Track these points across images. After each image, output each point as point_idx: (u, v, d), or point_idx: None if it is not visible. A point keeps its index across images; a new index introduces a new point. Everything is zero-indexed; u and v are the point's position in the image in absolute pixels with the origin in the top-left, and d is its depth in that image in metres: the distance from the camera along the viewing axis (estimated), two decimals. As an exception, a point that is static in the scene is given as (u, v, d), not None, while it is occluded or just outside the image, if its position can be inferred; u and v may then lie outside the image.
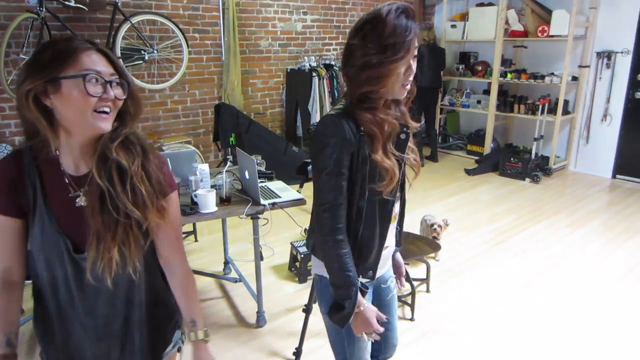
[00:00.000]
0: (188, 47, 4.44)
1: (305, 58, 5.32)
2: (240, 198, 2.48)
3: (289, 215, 2.60)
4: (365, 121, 1.19)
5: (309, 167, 2.13)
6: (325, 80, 5.24)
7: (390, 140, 1.23)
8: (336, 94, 5.34)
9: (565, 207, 4.52)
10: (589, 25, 5.16)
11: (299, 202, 2.54)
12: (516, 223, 4.14)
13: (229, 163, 2.86)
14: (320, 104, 5.24)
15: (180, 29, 4.36)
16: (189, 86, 4.80)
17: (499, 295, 2.99)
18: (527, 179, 5.28)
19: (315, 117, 5.20)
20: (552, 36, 5.07)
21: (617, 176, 5.34)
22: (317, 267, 1.37)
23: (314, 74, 5.18)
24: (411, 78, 1.18)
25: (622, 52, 5.03)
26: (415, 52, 1.15)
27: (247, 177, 2.49)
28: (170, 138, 4.66)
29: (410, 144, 1.30)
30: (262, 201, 2.42)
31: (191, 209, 2.30)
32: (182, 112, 4.81)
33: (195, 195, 2.32)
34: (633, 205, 4.55)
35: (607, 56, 5.12)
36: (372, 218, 1.28)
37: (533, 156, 5.35)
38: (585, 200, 4.71)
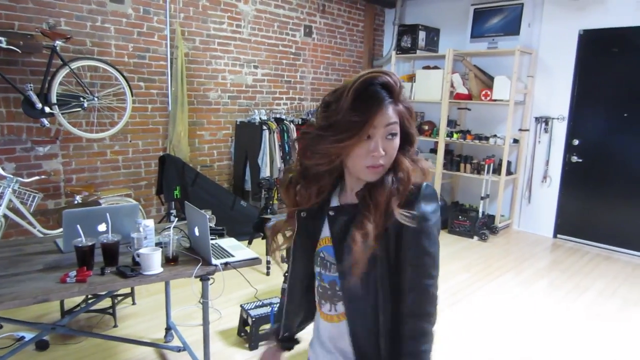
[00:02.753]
0: (132, 95, 4.21)
1: (256, 111, 5.22)
2: (189, 257, 2.22)
3: (242, 275, 2.35)
4: None
5: (268, 224, 1.92)
6: (275, 133, 5.13)
7: None
8: (287, 148, 5.23)
9: (514, 265, 4.54)
10: (527, 92, 5.48)
11: (254, 261, 2.31)
12: (469, 282, 4.09)
13: (175, 219, 2.61)
14: (270, 158, 5.10)
15: (124, 77, 4.13)
16: (132, 136, 4.51)
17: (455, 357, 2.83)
18: (475, 237, 5.32)
19: (265, 171, 5.04)
20: (495, 100, 5.31)
21: (558, 235, 5.51)
22: None
23: (265, 127, 5.06)
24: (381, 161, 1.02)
25: (557, 118, 5.34)
26: (383, 131, 1.01)
27: (197, 234, 2.24)
28: (108, 191, 4.29)
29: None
30: (214, 261, 2.17)
31: (132, 270, 2.01)
32: (123, 163, 4.49)
33: (138, 255, 2.04)
34: (576, 265, 4.66)
35: (544, 121, 5.42)
36: None
37: (480, 214, 5.44)
38: (531, 259, 4.78)
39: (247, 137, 5.20)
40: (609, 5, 4.85)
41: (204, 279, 2.21)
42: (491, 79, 5.45)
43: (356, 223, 1.01)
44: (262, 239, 2.01)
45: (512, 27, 5.35)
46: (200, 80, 4.93)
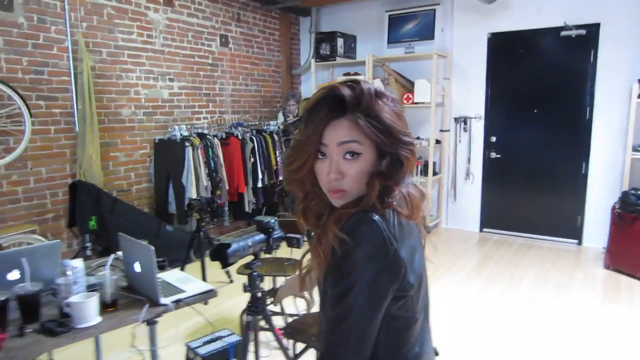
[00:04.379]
0: (31, 116, 3.67)
1: (175, 127, 4.83)
2: (130, 299, 1.89)
3: (199, 312, 2.05)
4: None
5: (230, 250, 1.69)
6: (199, 150, 4.78)
7: None
8: (212, 164, 4.90)
9: (450, 264, 4.62)
10: (445, 94, 5.67)
11: (208, 295, 2.03)
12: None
13: (90, 253, 2.24)
14: (195, 176, 4.74)
15: (20, 95, 3.60)
16: (33, 163, 3.92)
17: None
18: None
19: (191, 191, 4.67)
20: (417, 103, 5.42)
21: (484, 229, 5.74)
22: None
23: (187, 143, 4.70)
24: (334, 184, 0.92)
25: (475, 118, 5.58)
26: (338, 150, 0.90)
27: (138, 269, 1.92)
28: (7, 229, 3.68)
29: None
30: (162, 299, 1.86)
31: (61, 324, 1.64)
32: (24, 194, 3.88)
33: (68, 304, 1.67)
34: (506, 256, 4.85)
35: (463, 121, 5.64)
36: None
37: (412, 216, 5.49)
38: (464, 255, 4.91)
39: (168, 155, 4.79)
40: (513, 10, 5.16)
41: (150, 322, 1.89)
42: (411, 83, 5.56)
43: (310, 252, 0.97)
44: (222, 268, 1.75)
45: (426, 32, 5.50)
46: (110, 97, 4.45)
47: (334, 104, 0.89)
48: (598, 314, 3.48)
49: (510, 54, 5.36)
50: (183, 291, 1.97)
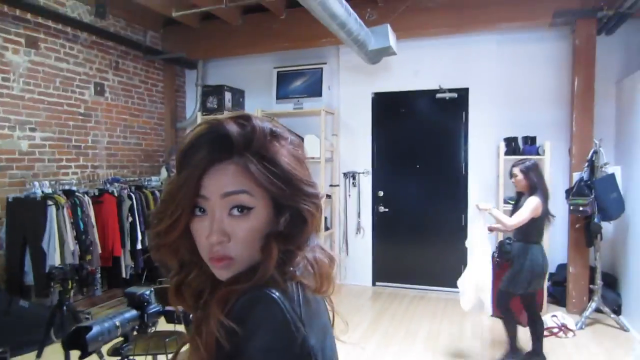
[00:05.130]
0: None
1: (36, 183, 4.18)
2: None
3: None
4: None
5: (90, 335, 1.33)
6: (65, 209, 4.17)
7: None
8: (81, 226, 4.30)
9: (349, 320, 4.46)
10: (333, 149, 5.75)
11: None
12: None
13: None
14: (60, 240, 4.09)
15: None
16: None
17: None
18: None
19: (54, 258, 4.00)
20: (307, 158, 5.38)
21: (377, 283, 5.75)
22: None
23: (50, 202, 4.07)
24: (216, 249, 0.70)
25: (363, 173, 5.71)
26: (221, 203, 0.69)
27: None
28: None
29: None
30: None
31: None
32: None
33: None
34: (399, 310, 4.86)
35: (352, 176, 5.73)
36: None
37: (306, 274, 5.32)
38: (361, 311, 4.82)
39: (25, 216, 4.10)
40: (393, 72, 5.48)
41: None
42: (301, 138, 5.53)
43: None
44: (81, 358, 1.37)
45: (314, 90, 5.61)
46: (-50, 147, 3.74)
47: (217, 143, 0.69)
48: (490, 364, 3.54)
49: (392, 113, 5.65)
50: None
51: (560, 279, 4.90)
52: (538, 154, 4.72)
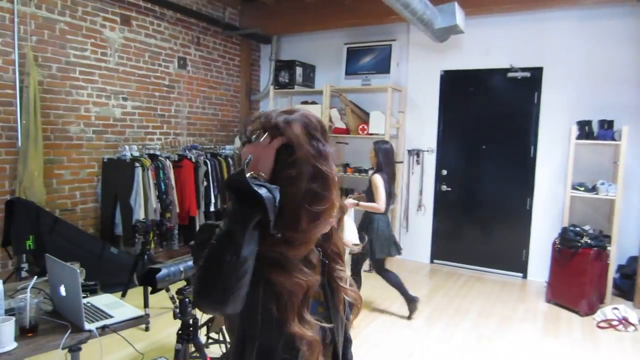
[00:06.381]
0: (-31, 128, 3.51)
1: (126, 147, 4.72)
2: (53, 324, 1.79)
3: (125, 339, 1.96)
4: None
5: (159, 275, 1.63)
6: (150, 171, 4.68)
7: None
8: (163, 187, 4.79)
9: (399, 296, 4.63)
10: (399, 126, 5.81)
11: (139, 320, 1.95)
12: (368, 320, 4.05)
13: (26, 274, 2.12)
14: (144, 198, 4.61)
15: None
16: (-33, 177, 3.73)
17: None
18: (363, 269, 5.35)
19: (139, 213, 4.53)
20: (372, 134, 5.53)
21: (435, 261, 5.83)
22: None
23: (137, 164, 4.59)
24: None
25: (427, 151, 5.74)
26: None
27: (63, 293, 1.83)
28: None
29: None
30: (87, 325, 1.77)
31: (-31, 351, 1.53)
32: (-46, 210, 3.67)
33: (-21, 330, 1.57)
34: (453, 288, 4.93)
35: (416, 154, 5.78)
36: None
37: (364, 246, 5.52)
38: (415, 287, 4.93)
39: (117, 175, 4.66)
40: (463, 50, 5.40)
41: (73, 349, 1.79)
42: (367, 114, 5.68)
43: None
44: (152, 292, 1.69)
45: (382, 66, 5.68)
46: (58, 113, 4.32)
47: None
48: (537, 348, 3.56)
49: (461, 91, 5.58)
50: (111, 316, 1.89)
51: (630, 272, 4.70)
52: (613, 139, 4.49)
